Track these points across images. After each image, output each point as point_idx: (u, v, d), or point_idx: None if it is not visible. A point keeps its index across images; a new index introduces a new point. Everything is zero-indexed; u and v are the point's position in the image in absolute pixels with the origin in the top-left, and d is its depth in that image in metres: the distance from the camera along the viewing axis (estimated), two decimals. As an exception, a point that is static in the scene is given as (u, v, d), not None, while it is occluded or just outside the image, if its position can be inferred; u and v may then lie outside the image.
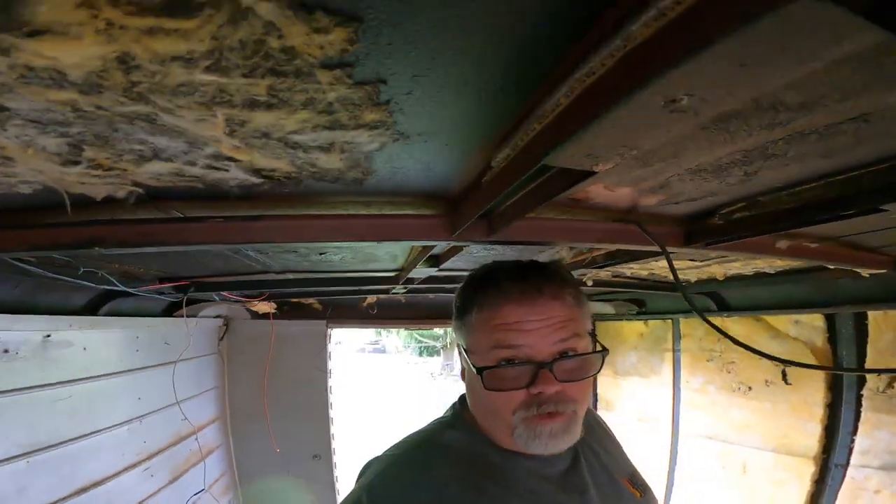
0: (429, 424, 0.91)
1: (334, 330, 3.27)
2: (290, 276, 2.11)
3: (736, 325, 2.36)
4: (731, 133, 0.69)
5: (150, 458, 2.47)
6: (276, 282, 2.14)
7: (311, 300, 2.96)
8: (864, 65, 0.49)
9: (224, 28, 0.39)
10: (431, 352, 24.97)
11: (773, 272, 1.85)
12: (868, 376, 1.89)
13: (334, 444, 3.24)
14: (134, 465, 2.36)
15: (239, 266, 1.86)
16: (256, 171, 0.78)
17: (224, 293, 2.38)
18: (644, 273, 2.16)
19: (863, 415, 1.95)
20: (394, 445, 0.87)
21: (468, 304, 0.82)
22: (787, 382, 2.25)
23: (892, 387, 1.83)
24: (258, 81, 0.49)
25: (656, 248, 1.15)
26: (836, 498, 2.02)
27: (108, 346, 2.22)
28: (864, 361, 1.89)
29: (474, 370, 0.77)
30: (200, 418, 2.90)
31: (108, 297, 2.05)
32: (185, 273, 1.92)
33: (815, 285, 1.87)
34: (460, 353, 0.86)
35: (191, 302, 2.35)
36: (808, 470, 2.10)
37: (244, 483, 3.20)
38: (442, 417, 0.93)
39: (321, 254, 1.61)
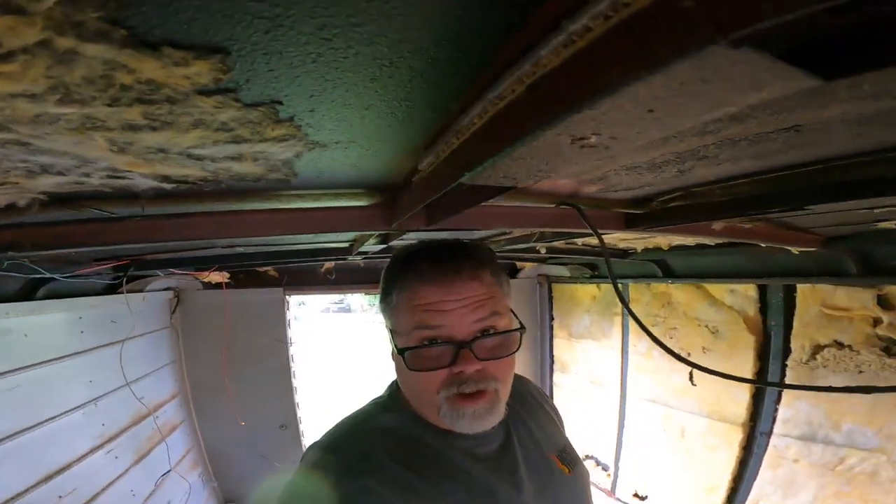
0: (365, 406, 0.91)
1: (293, 296, 3.16)
2: (240, 249, 2.03)
3: (678, 290, 2.42)
4: (663, 140, 0.66)
5: (111, 440, 2.39)
6: (225, 255, 2.04)
7: (267, 267, 2.86)
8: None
9: (55, 68, 0.33)
10: (397, 311, 24.68)
11: (713, 244, 1.88)
12: (793, 346, 1.97)
13: (300, 413, 3.18)
14: (96, 449, 2.29)
15: (183, 243, 1.76)
16: (165, 178, 0.71)
17: (169, 269, 2.26)
18: (594, 241, 2.17)
19: (786, 386, 2.05)
20: (331, 430, 0.86)
21: (391, 285, 0.81)
22: (693, 384, 2.34)
23: (815, 358, 1.92)
24: (127, 109, 0.42)
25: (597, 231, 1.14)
26: (760, 465, 2.13)
27: (50, 330, 2.09)
28: (791, 332, 1.97)
29: (396, 351, 0.77)
30: (159, 395, 2.80)
31: (43, 281, 1.93)
32: (124, 252, 1.81)
33: (750, 257, 1.92)
34: (387, 334, 0.85)
35: (135, 278, 2.22)
36: (737, 437, 2.20)
37: (212, 457, 3.14)
38: (378, 398, 0.92)
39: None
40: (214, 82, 0.40)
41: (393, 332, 0.81)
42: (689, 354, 2.41)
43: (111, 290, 2.35)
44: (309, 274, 3.02)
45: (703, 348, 2.33)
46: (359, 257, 2.42)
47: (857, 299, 1.77)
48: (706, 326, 2.32)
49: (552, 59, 0.38)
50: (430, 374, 0.75)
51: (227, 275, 2.69)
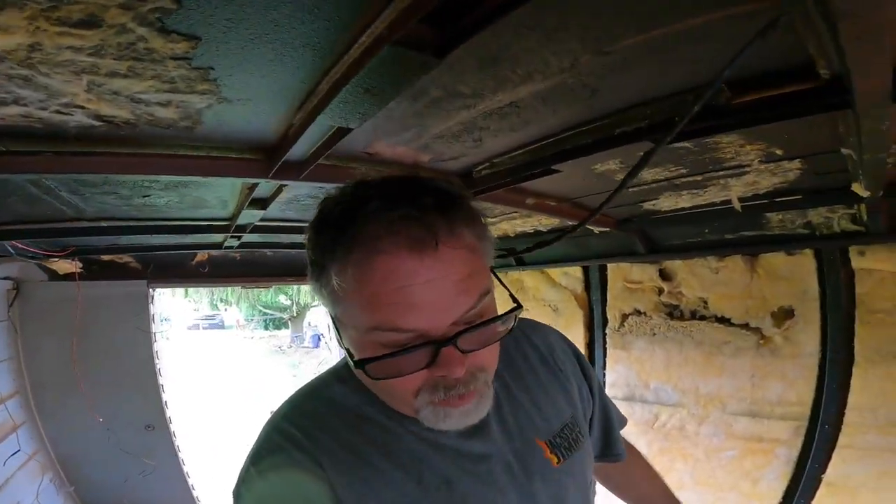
0: (324, 374, 0.89)
1: (158, 291, 3.33)
2: (105, 223, 2.21)
3: (528, 276, 3.14)
4: (444, 111, 1.21)
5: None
6: (89, 229, 2.23)
7: (127, 258, 3.02)
8: (483, 70, 1.02)
9: (113, 37, 0.78)
10: (279, 324, 24.90)
11: (545, 230, 2.58)
12: (609, 316, 2.73)
13: (169, 413, 3.36)
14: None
15: (47, 210, 1.95)
16: (98, 117, 1.11)
17: (19, 244, 2.38)
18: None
19: (608, 351, 2.78)
20: (289, 398, 0.85)
21: (325, 254, 0.65)
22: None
23: (624, 325, 2.69)
24: (123, 63, 0.87)
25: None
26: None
27: None
28: (606, 305, 2.75)
29: (352, 364, 0.68)
30: (-7, 395, 2.82)
31: None
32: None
33: (576, 243, 2.67)
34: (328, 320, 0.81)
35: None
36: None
37: (64, 461, 3.21)
38: (337, 366, 0.88)
39: (144, 196, 1.84)
40: (184, 53, 0.86)
41: (337, 322, 0.71)
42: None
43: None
44: (178, 266, 3.17)
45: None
46: (234, 241, 2.68)
47: (646, 273, 2.57)
48: (549, 305, 3.05)
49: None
50: (401, 380, 0.66)
51: (80, 265, 2.82)
